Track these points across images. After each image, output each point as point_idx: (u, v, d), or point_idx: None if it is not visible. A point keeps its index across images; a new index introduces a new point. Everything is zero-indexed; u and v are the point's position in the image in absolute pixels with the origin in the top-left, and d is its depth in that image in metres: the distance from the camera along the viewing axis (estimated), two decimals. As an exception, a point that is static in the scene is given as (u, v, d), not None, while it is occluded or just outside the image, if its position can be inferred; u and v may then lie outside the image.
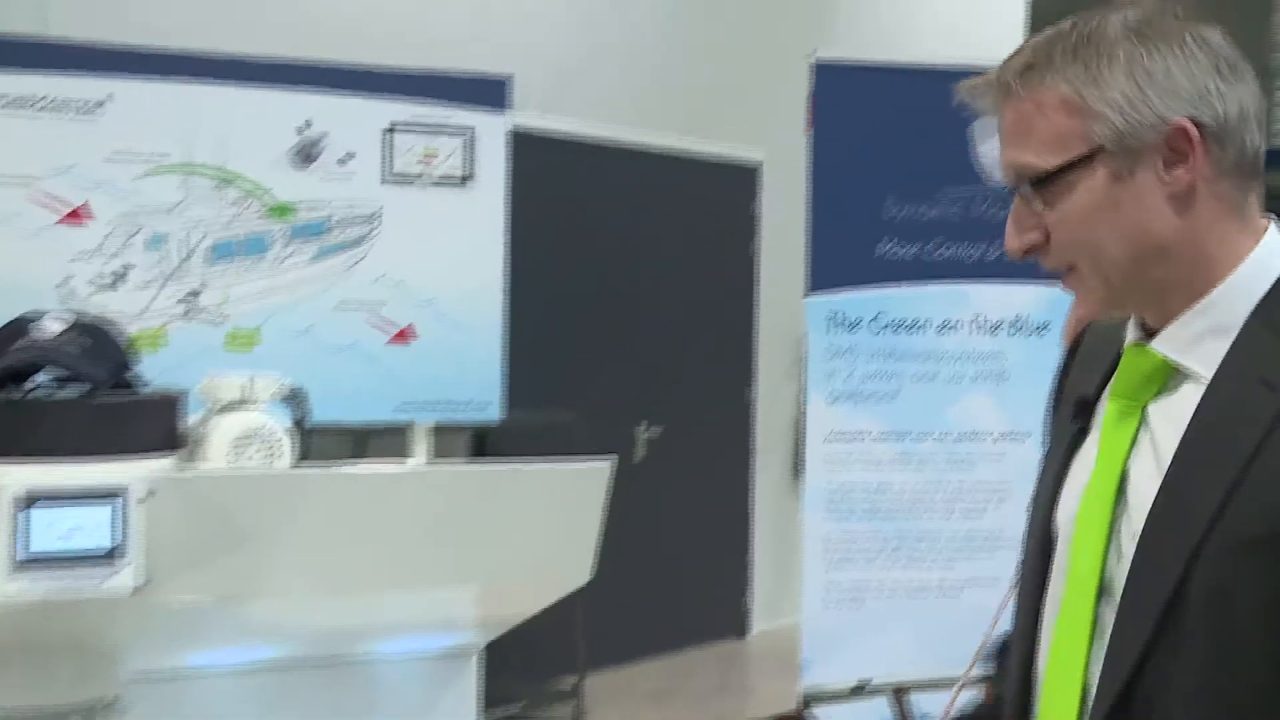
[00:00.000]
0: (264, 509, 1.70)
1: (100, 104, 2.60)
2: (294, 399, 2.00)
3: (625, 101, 4.70)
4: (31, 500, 1.52)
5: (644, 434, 4.69)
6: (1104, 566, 0.95)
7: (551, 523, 1.93)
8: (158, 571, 1.60)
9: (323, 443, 3.61)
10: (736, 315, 5.01)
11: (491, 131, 2.95)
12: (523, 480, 1.93)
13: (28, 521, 1.51)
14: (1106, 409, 1.00)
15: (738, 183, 4.95)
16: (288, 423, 1.93)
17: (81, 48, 2.65)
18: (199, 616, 1.74)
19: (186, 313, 2.67)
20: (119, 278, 2.61)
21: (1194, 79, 0.93)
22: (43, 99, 2.54)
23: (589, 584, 1.91)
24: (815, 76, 3.02)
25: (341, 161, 2.81)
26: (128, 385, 1.87)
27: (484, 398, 2.99)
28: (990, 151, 3.10)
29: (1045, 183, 0.94)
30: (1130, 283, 0.95)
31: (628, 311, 4.67)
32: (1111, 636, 0.93)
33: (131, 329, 2.66)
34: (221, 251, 2.69)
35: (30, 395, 1.69)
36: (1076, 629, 0.96)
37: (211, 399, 1.92)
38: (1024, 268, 3.38)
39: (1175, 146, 0.92)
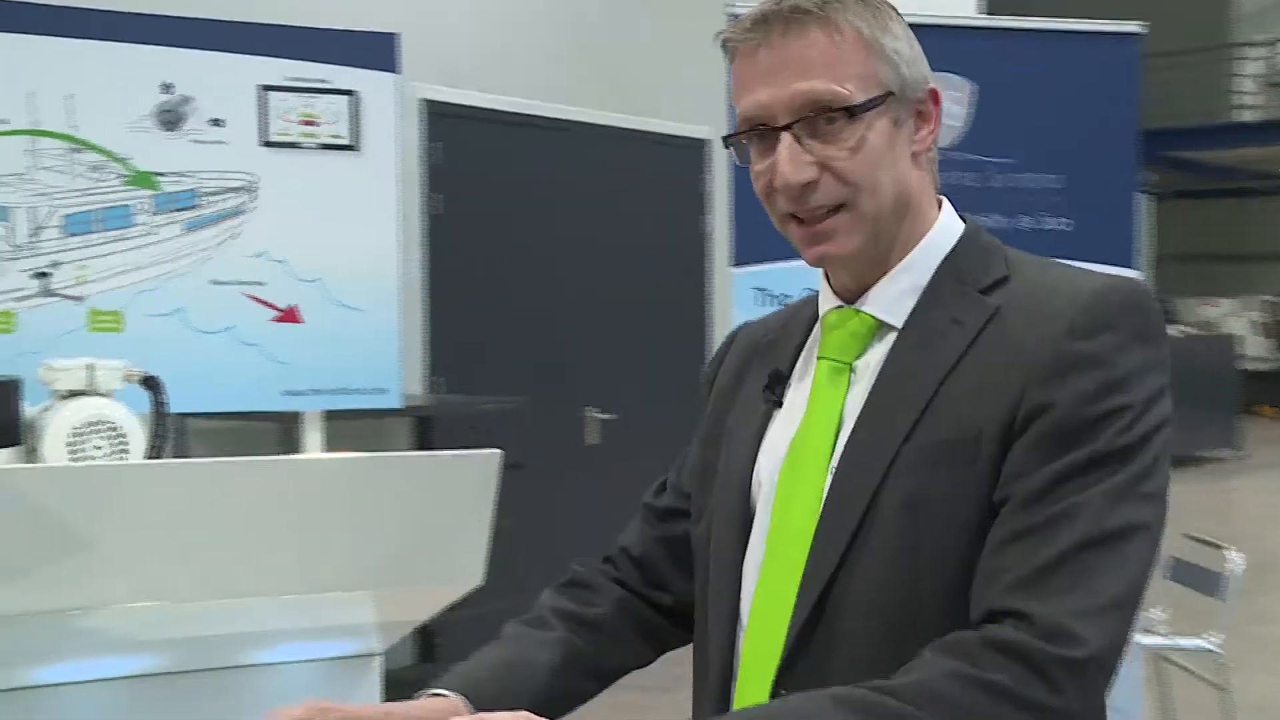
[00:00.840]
0: (103, 507, 1.57)
1: (-72, 60, 2.45)
2: (148, 385, 1.88)
3: (566, 76, 4.68)
4: None
5: (595, 417, 4.69)
6: (818, 516, 1.03)
7: (436, 520, 1.83)
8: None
9: (249, 431, 3.54)
10: (689, 294, 5.04)
11: (379, 94, 2.82)
12: (401, 473, 1.82)
13: None
14: (816, 370, 1.10)
15: (687, 158, 4.98)
16: (139, 412, 1.81)
17: (-96, -5, 2.48)
18: (36, 630, 1.62)
19: (38, 292, 2.52)
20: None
21: (925, 58, 1.08)
22: None
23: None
24: (734, 31, 2.95)
25: (211, 125, 2.67)
26: (-49, 373, 1.74)
27: (380, 383, 2.88)
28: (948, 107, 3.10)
29: (856, 114, 1.02)
30: (886, 230, 1.07)
31: (575, 292, 4.70)
32: (811, 550, 1.02)
33: (-27, 311, 2.52)
34: (76, 224, 2.55)
35: None
36: (786, 577, 1.04)
37: (52, 387, 1.80)
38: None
39: (923, 110, 1.07)
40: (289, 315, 2.75)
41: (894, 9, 1.08)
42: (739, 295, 3.05)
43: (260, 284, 2.72)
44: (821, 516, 1.03)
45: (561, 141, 4.69)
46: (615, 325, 4.82)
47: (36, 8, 2.54)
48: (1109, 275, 1.05)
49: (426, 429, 4.50)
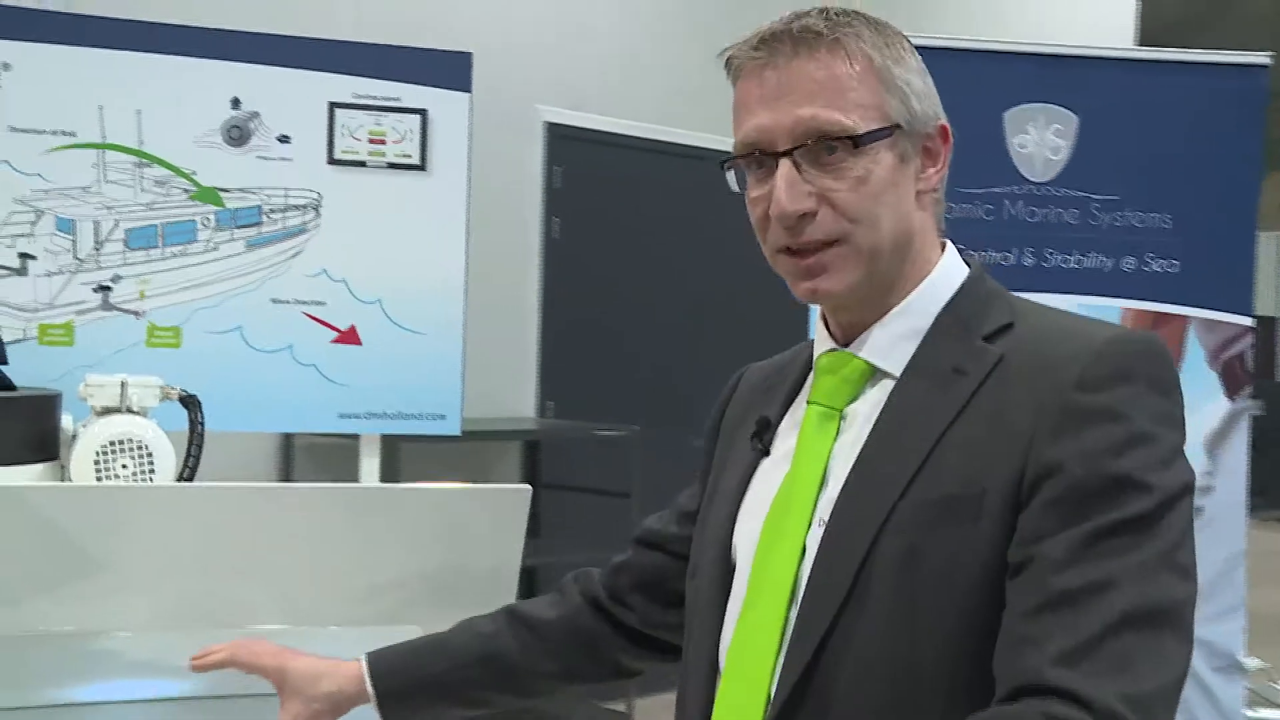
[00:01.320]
0: (116, 528, 1.58)
1: (-3, 72, 2.53)
2: (186, 404, 1.90)
3: (691, 102, 4.73)
4: None
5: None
6: (797, 570, 1.00)
7: (463, 553, 1.80)
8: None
9: (355, 450, 3.61)
10: (805, 322, 5.01)
11: (451, 114, 2.83)
12: (428, 504, 1.80)
13: None
14: (805, 416, 1.07)
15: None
16: (168, 430, 1.82)
17: (-26, 7, 2.57)
18: (61, 650, 1.63)
19: (98, 305, 2.58)
20: (17, 269, 2.53)
21: (938, 95, 1.06)
22: (-71, 65, 2.46)
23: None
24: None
25: (278, 142, 2.71)
26: (-10, 385, 1.78)
27: (439, 409, 2.87)
28: (1029, 142, 3.00)
29: (861, 145, 0.99)
30: (885, 268, 1.03)
31: (693, 321, 4.72)
32: (802, 606, 0.98)
33: (36, 322, 2.58)
34: (139, 238, 2.60)
35: None
36: (764, 633, 1.00)
37: (89, 403, 1.83)
38: (1056, 278, 3.18)
39: (932, 146, 1.04)
40: (348, 336, 2.77)
41: (907, 39, 1.06)
42: (815, 327, 2.98)
43: (320, 304, 2.75)
44: (812, 572, 0.99)
45: (683, 167, 4.71)
46: (733, 355, 4.80)
47: (107, 22, 2.61)
48: (1118, 326, 1.03)
49: (534, 454, 4.55)
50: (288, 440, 3.93)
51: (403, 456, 3.77)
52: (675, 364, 4.76)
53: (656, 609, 1.26)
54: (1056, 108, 2.95)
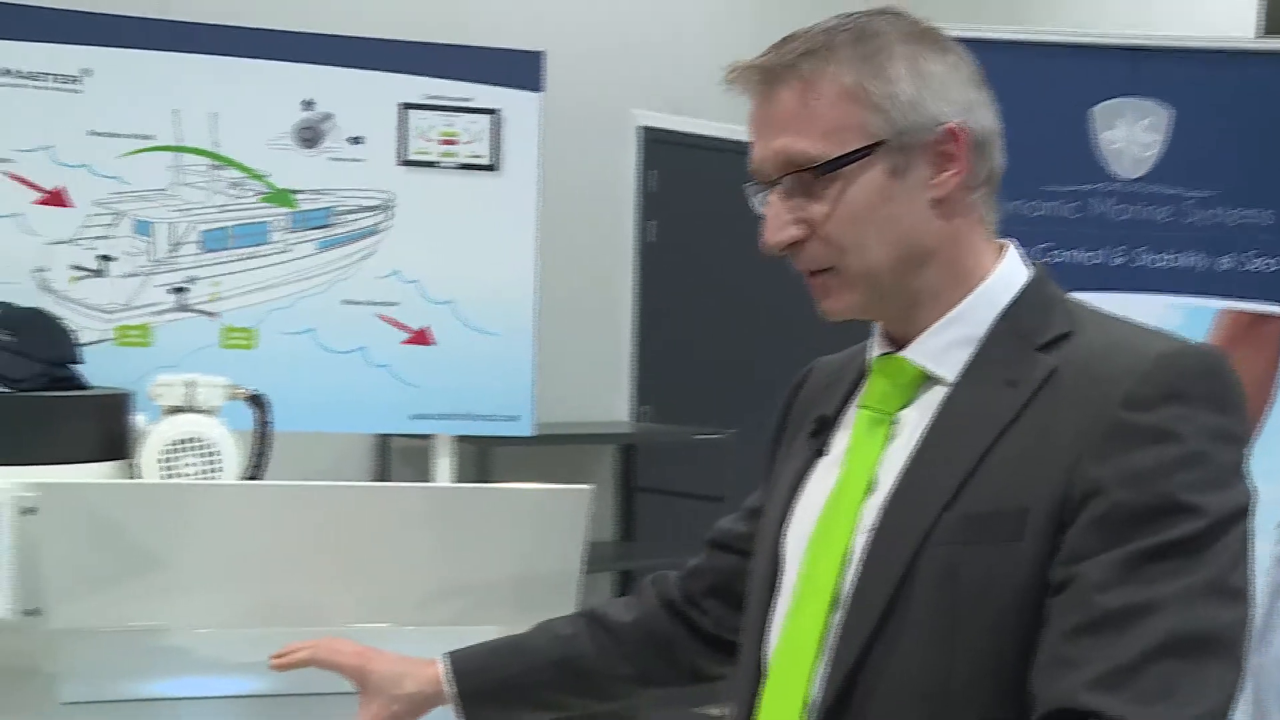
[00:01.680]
0: (172, 524, 1.60)
1: (78, 78, 2.58)
2: (254, 404, 1.92)
3: None
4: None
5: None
6: (840, 576, 1.00)
7: (524, 554, 1.79)
8: (53, 596, 1.52)
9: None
10: None
11: (522, 113, 2.83)
12: (489, 505, 1.79)
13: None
14: (855, 420, 1.06)
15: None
16: (237, 430, 1.84)
17: (57, 13, 2.62)
18: (126, 647, 1.66)
19: (174, 307, 2.63)
20: (96, 271, 2.59)
21: (961, 87, 1.02)
22: (14, 71, 2.52)
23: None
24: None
25: (350, 144, 2.74)
26: (64, 385, 1.81)
27: (512, 410, 2.88)
28: (1118, 138, 2.91)
29: (823, 173, 0.99)
30: (891, 287, 1.02)
31: (789, 324, 4.68)
32: (844, 615, 0.99)
33: (114, 323, 2.64)
34: (214, 240, 2.65)
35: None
36: (805, 637, 1.00)
37: (158, 403, 1.86)
38: (1148, 278, 3.07)
39: (944, 150, 1.01)
40: (420, 337, 2.79)
41: (904, 44, 1.02)
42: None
43: (393, 304, 2.77)
44: (854, 581, 0.99)
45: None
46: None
47: (183, 26, 2.67)
48: (1178, 339, 0.98)
49: (630, 458, 4.57)
50: (384, 441, 3.98)
51: (494, 460, 3.79)
52: (772, 367, 4.73)
53: (730, 612, 1.25)
54: (1148, 102, 2.86)
